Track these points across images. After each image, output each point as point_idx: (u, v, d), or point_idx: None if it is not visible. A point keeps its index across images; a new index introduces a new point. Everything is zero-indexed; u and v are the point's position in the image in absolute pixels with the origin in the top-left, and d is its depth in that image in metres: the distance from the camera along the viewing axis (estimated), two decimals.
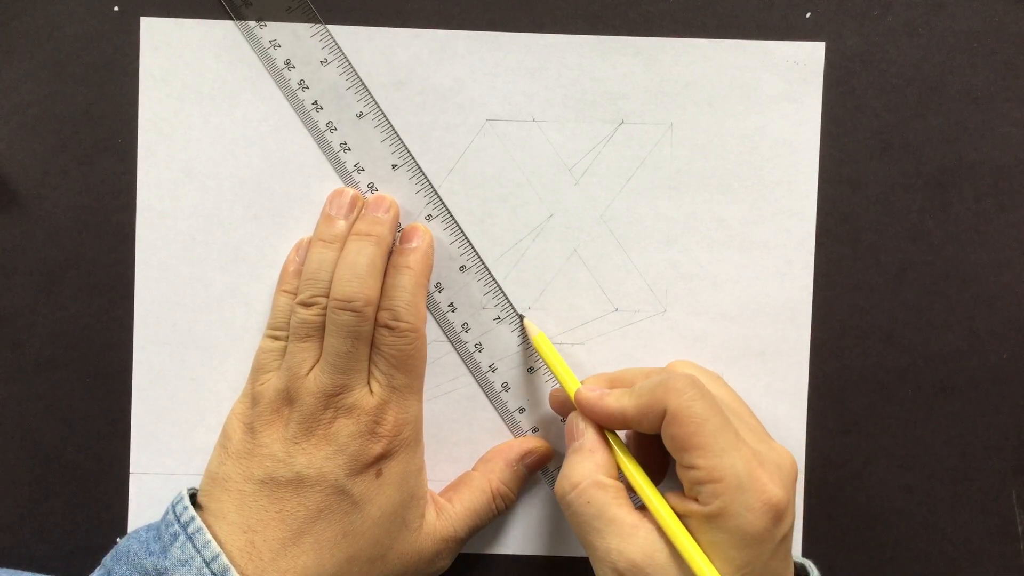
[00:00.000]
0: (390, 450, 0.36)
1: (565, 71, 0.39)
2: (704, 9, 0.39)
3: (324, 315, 0.36)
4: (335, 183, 0.39)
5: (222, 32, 0.39)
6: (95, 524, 0.40)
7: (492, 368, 0.40)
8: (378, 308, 0.37)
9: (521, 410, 0.40)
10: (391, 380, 0.36)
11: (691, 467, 0.32)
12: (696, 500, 0.32)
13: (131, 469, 0.40)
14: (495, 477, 0.38)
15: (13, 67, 0.39)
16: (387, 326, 0.36)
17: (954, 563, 0.40)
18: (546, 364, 0.38)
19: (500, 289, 0.39)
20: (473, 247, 0.39)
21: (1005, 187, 0.40)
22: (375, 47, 0.39)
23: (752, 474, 0.32)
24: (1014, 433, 0.40)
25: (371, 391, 0.36)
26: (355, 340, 0.36)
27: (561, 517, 0.40)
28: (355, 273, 0.36)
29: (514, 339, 0.40)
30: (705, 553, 0.32)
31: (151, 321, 0.39)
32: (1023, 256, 0.40)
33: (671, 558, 0.32)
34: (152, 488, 0.40)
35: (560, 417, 0.40)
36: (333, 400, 0.36)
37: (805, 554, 0.40)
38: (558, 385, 0.38)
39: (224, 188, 0.39)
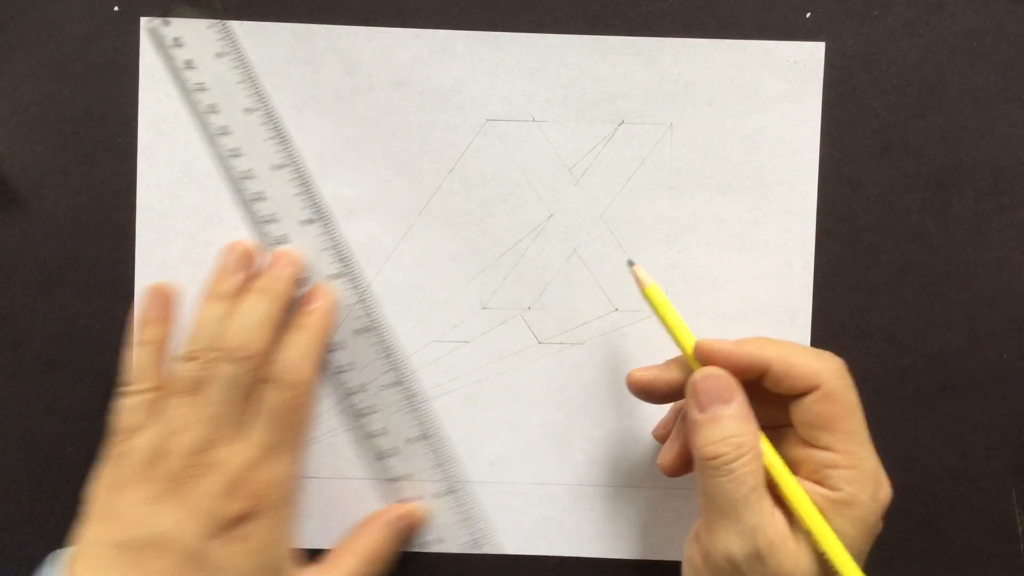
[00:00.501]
0: (252, 511, 0.34)
1: (565, 71, 0.39)
2: (704, 9, 0.39)
3: (207, 370, 0.35)
4: (335, 184, 0.39)
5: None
6: None
7: (383, 431, 0.39)
8: (266, 363, 0.36)
9: (405, 477, 0.40)
10: (266, 436, 0.35)
11: (828, 449, 0.32)
12: (819, 484, 0.32)
13: None
14: (372, 540, 0.38)
15: (13, 67, 0.39)
16: (272, 379, 0.36)
17: (954, 563, 0.40)
18: (658, 318, 0.35)
19: (396, 353, 0.39)
20: (370, 306, 0.39)
21: (1005, 187, 0.40)
22: (375, 47, 0.39)
23: (880, 470, 0.33)
24: (1014, 433, 0.40)
25: (242, 447, 0.35)
26: (235, 392, 0.35)
27: (559, 517, 0.40)
28: (245, 326, 0.36)
29: (403, 406, 0.39)
30: None
31: None
32: (1023, 256, 0.40)
33: (800, 544, 0.32)
34: None
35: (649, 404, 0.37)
36: (202, 456, 0.34)
37: None
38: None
39: (224, 188, 0.39)
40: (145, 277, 0.39)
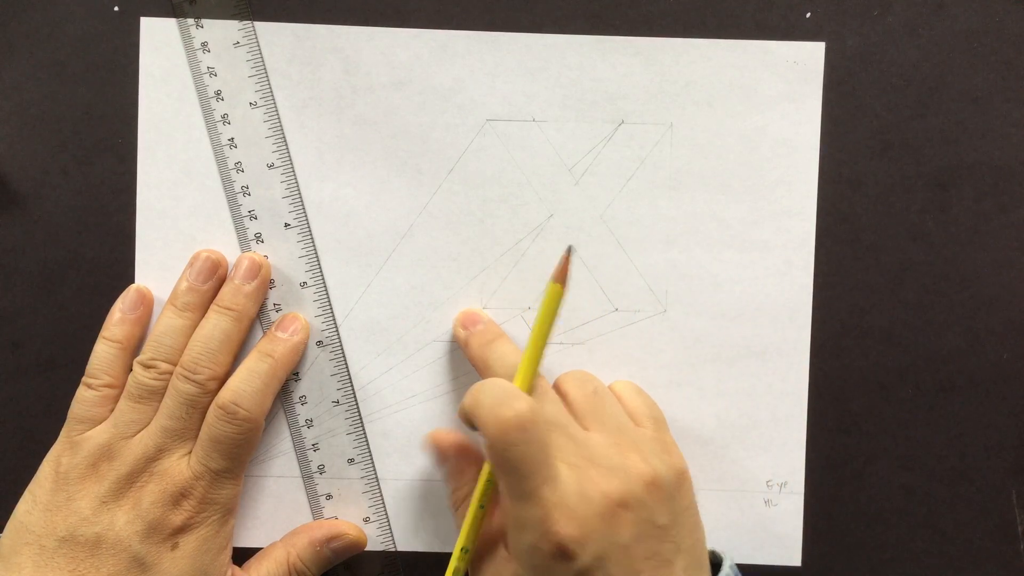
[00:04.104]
0: (191, 524, 0.36)
1: (565, 71, 0.39)
2: (704, 9, 0.39)
3: (163, 380, 0.37)
4: (335, 184, 0.39)
5: (222, 32, 0.39)
6: None
7: (316, 446, 0.39)
8: (223, 384, 0.37)
9: (335, 495, 0.40)
10: (209, 461, 0.36)
11: (502, 496, 0.33)
12: None
13: None
14: (295, 552, 0.38)
15: (13, 67, 0.39)
16: (225, 409, 0.36)
17: (954, 563, 0.40)
18: (538, 316, 0.35)
19: (346, 373, 0.39)
20: (329, 322, 0.39)
21: (1005, 187, 0.40)
22: (375, 47, 0.39)
23: (543, 518, 0.31)
24: (1014, 433, 0.40)
25: (188, 463, 0.36)
26: (191, 409, 0.36)
27: None
28: (207, 347, 0.37)
29: (344, 426, 0.39)
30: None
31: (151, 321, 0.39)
32: (1023, 256, 0.40)
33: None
34: None
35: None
36: (150, 464, 0.36)
37: (805, 554, 0.40)
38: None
39: (224, 187, 0.39)
40: (145, 277, 0.39)
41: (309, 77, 0.39)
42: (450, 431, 0.37)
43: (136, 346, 0.38)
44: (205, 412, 0.37)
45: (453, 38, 0.39)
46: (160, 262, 0.39)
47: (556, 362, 0.40)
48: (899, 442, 0.40)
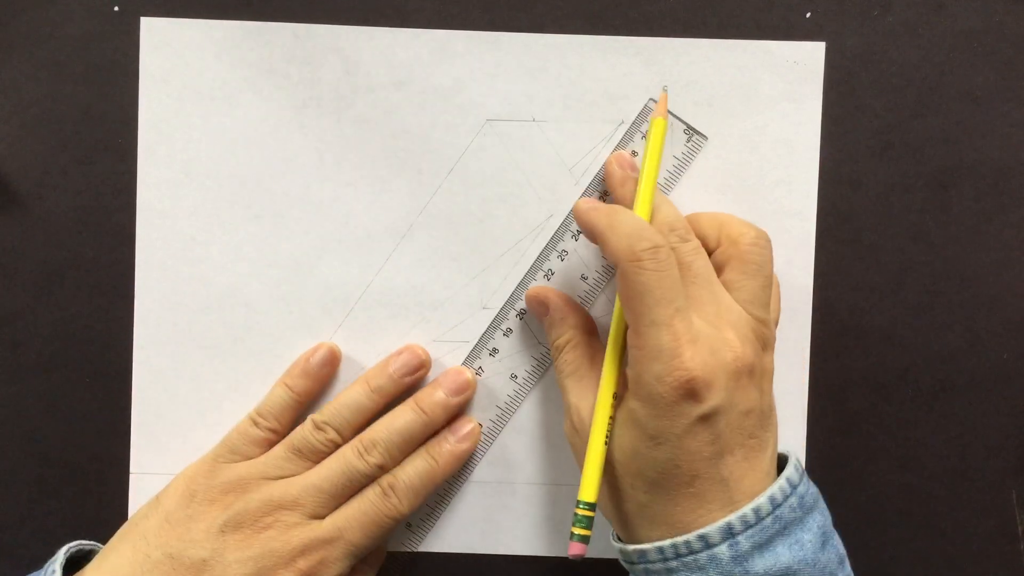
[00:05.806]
0: None
1: (565, 71, 0.39)
2: (704, 9, 0.39)
3: (328, 447, 0.37)
4: (335, 184, 0.39)
5: (222, 32, 0.39)
6: (95, 524, 0.40)
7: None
8: (387, 471, 0.37)
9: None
10: (345, 532, 0.36)
11: (632, 327, 0.33)
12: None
13: (131, 469, 0.40)
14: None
15: (13, 67, 0.39)
16: (384, 491, 0.36)
17: (954, 563, 0.40)
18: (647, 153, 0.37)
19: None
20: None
21: (1005, 187, 0.40)
22: (375, 47, 0.39)
23: (674, 349, 0.31)
24: (1014, 433, 0.40)
25: (319, 527, 0.36)
26: (349, 483, 0.36)
27: (563, 518, 0.40)
28: (390, 439, 0.37)
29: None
30: (624, 418, 0.33)
31: (151, 321, 0.39)
32: (1023, 256, 0.40)
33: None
34: (152, 488, 0.39)
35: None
36: (282, 511, 0.35)
37: None
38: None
39: (224, 188, 0.39)
40: (145, 277, 0.39)
41: (309, 77, 0.39)
42: (546, 287, 0.39)
43: (311, 401, 0.39)
44: (357, 490, 0.36)
45: (453, 38, 0.39)
46: (160, 262, 0.39)
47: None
48: (899, 442, 0.40)
